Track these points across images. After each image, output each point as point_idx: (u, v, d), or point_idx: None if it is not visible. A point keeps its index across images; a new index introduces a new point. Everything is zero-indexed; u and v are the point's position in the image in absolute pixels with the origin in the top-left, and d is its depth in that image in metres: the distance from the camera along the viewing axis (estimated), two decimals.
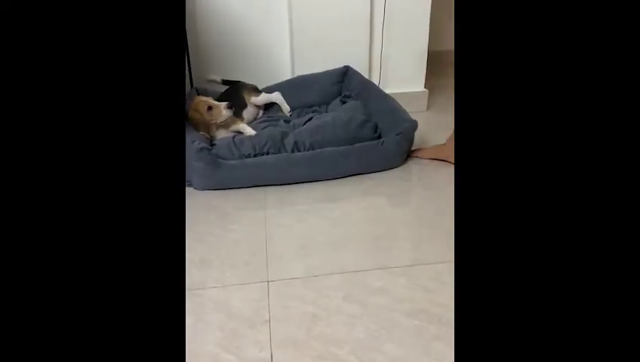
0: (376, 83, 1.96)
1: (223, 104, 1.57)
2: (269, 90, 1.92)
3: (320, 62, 1.97)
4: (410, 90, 2.07)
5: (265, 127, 1.68)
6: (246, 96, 1.81)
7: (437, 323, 0.90)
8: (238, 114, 1.71)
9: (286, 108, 1.86)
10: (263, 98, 1.85)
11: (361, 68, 1.97)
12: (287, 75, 2.01)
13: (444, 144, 1.61)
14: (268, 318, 0.92)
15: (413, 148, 1.60)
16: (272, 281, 1.04)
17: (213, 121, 1.59)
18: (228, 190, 1.45)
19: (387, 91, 1.85)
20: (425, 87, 2.10)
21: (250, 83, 1.90)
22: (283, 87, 1.92)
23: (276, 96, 1.86)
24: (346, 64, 1.96)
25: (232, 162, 1.45)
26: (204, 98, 1.62)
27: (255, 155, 1.48)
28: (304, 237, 1.20)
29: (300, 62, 2.00)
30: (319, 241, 1.18)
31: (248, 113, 1.80)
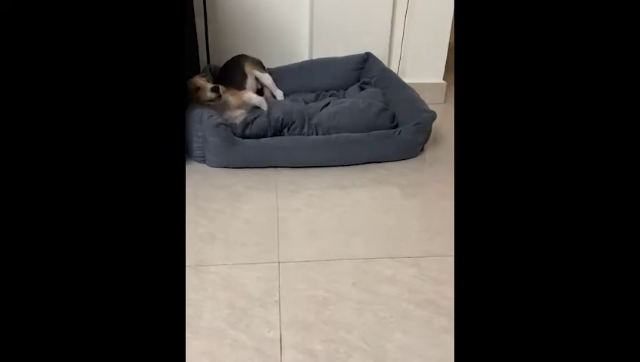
0: (395, 71, 1.94)
1: (209, 86, 1.49)
2: (286, 70, 1.90)
3: (338, 47, 1.94)
4: (429, 81, 2.04)
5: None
6: (247, 67, 1.77)
7: (447, 315, 0.90)
8: (240, 85, 1.69)
9: (279, 93, 1.82)
10: (267, 77, 1.81)
11: (380, 55, 1.94)
12: (304, 57, 1.99)
13: None
14: (278, 299, 0.92)
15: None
16: (283, 262, 1.03)
17: (203, 101, 1.50)
18: (240, 169, 1.45)
19: (405, 80, 1.83)
20: (444, 79, 2.07)
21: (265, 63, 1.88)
22: (302, 69, 1.89)
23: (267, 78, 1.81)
24: (365, 50, 1.93)
25: (248, 141, 1.43)
26: (196, 78, 1.54)
27: (269, 132, 1.47)
28: (315, 222, 1.20)
29: (318, 46, 1.97)
30: (330, 227, 1.18)
31: (250, 84, 1.77)
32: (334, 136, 1.47)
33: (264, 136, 1.47)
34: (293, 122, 1.51)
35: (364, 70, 1.91)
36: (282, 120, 1.50)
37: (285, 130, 1.51)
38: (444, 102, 2.08)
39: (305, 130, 1.51)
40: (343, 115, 1.53)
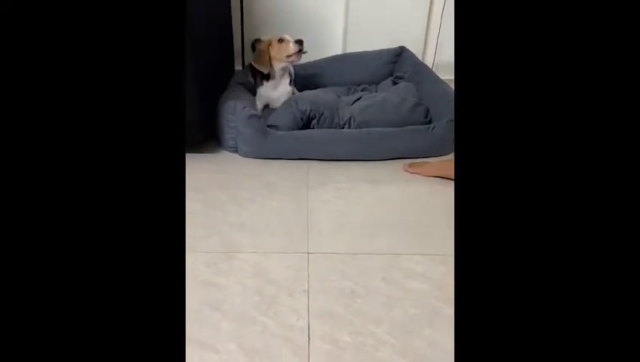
0: (430, 66, 1.90)
1: (292, 39, 1.55)
2: (318, 64, 1.90)
3: (373, 41, 1.92)
4: None
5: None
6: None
7: None
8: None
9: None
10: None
11: (415, 50, 1.91)
12: (337, 51, 1.98)
13: (450, 160, 1.42)
14: (307, 288, 0.93)
15: (410, 163, 1.43)
16: (312, 253, 1.04)
17: (282, 57, 1.56)
18: (272, 160, 1.46)
19: (440, 76, 1.79)
20: None
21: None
22: (334, 62, 1.89)
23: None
24: (399, 44, 1.91)
25: (280, 133, 1.45)
26: (269, 37, 1.60)
27: (307, 118, 1.48)
28: (344, 215, 1.20)
29: (353, 40, 1.96)
30: (359, 220, 1.17)
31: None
32: (366, 130, 1.46)
33: (292, 128, 1.48)
34: (322, 114, 1.51)
35: (398, 64, 1.89)
36: (310, 112, 1.50)
37: (314, 121, 1.51)
38: None
39: (336, 121, 1.51)
40: (375, 108, 1.52)
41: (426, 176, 1.38)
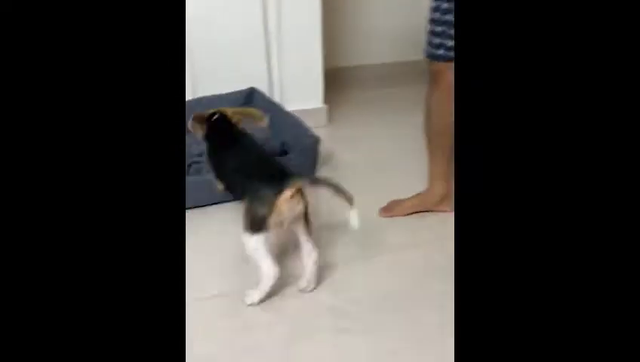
0: (278, 101, 2.05)
1: None
2: None
3: (221, 85, 1.99)
4: (310, 107, 2.19)
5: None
6: None
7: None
8: None
9: None
10: None
11: (262, 88, 2.03)
12: (188, 97, 1.99)
13: (424, 194, 1.40)
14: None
15: (382, 207, 1.41)
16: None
17: None
18: None
19: (289, 108, 1.95)
20: (324, 103, 2.24)
21: None
22: (189, 108, 1.89)
23: None
24: (247, 85, 2.01)
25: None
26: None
27: None
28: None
29: (202, 86, 1.99)
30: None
31: None
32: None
33: None
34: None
35: (253, 104, 1.99)
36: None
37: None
38: (328, 124, 2.24)
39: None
40: None
41: (402, 215, 1.37)
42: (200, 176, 1.51)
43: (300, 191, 1.02)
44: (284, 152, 1.66)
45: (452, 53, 1.15)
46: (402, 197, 1.41)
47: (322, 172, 1.72)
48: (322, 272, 1.15)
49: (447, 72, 1.17)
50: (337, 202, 1.05)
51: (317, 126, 2.05)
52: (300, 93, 2.16)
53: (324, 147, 1.72)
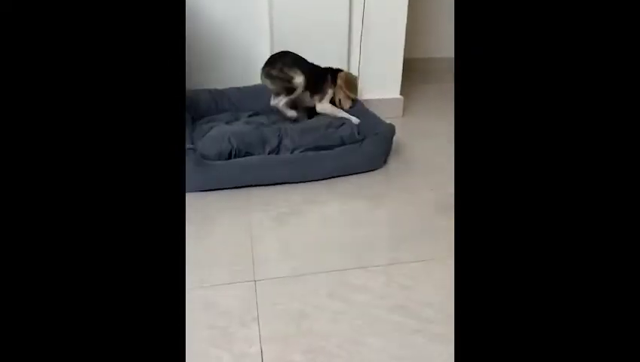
0: None
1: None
2: (246, 91, 1.95)
3: None
4: (387, 97, 2.15)
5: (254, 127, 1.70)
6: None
7: (416, 318, 0.96)
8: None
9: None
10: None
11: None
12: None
13: None
14: (257, 315, 0.96)
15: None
16: (259, 280, 1.07)
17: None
18: (210, 191, 1.48)
19: (365, 97, 1.92)
20: (400, 94, 2.19)
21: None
22: (263, 89, 1.95)
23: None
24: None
25: (218, 162, 1.47)
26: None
27: (234, 154, 1.52)
28: (287, 238, 1.25)
29: None
30: (303, 242, 1.23)
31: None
32: (301, 153, 1.53)
33: (218, 160, 1.49)
34: (247, 152, 1.54)
35: None
36: (236, 150, 1.52)
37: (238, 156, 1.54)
38: (403, 115, 2.19)
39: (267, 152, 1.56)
40: (309, 132, 1.60)
41: None
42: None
43: None
44: (361, 138, 1.64)
45: None
46: None
47: (392, 162, 1.69)
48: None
49: None
50: None
51: (392, 116, 2.01)
52: (378, 82, 2.12)
53: (397, 137, 1.68)
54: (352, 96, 1.87)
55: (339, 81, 1.85)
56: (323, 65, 1.95)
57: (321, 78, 1.85)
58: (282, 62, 1.79)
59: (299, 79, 1.77)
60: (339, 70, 1.90)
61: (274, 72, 1.79)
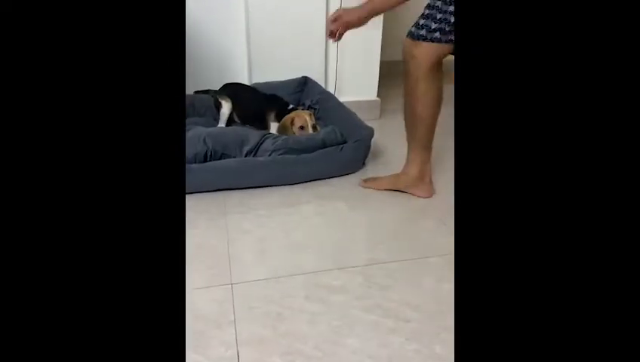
0: (332, 92, 2.04)
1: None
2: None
3: (276, 72, 2.02)
4: (364, 99, 2.17)
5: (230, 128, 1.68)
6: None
7: (394, 317, 0.97)
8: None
9: None
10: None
11: (317, 78, 2.04)
12: (244, 81, 2.04)
13: (399, 174, 1.51)
14: (233, 319, 0.95)
15: (365, 178, 1.56)
16: (236, 283, 1.06)
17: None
18: (189, 195, 1.46)
19: (342, 99, 1.94)
20: (377, 96, 2.21)
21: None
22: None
23: None
24: (302, 74, 2.03)
25: (195, 165, 1.45)
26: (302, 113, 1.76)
27: (209, 156, 1.51)
28: (265, 241, 1.24)
29: (257, 72, 2.03)
30: (280, 244, 1.22)
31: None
32: (280, 156, 1.53)
33: (193, 162, 1.48)
34: (224, 154, 1.54)
35: (304, 93, 2.00)
36: (212, 151, 1.52)
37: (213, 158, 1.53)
38: (380, 117, 2.22)
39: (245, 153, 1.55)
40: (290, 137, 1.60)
41: (378, 189, 1.51)
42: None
43: None
44: (343, 141, 1.64)
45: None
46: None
47: (370, 164, 1.71)
48: None
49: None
50: None
51: (370, 118, 2.03)
52: (356, 85, 2.14)
53: (374, 139, 1.70)
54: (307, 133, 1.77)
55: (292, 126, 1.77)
56: (301, 68, 1.96)
57: (261, 115, 1.87)
58: (222, 90, 1.91)
59: (225, 107, 1.86)
60: (293, 109, 1.83)
61: (212, 94, 1.93)
